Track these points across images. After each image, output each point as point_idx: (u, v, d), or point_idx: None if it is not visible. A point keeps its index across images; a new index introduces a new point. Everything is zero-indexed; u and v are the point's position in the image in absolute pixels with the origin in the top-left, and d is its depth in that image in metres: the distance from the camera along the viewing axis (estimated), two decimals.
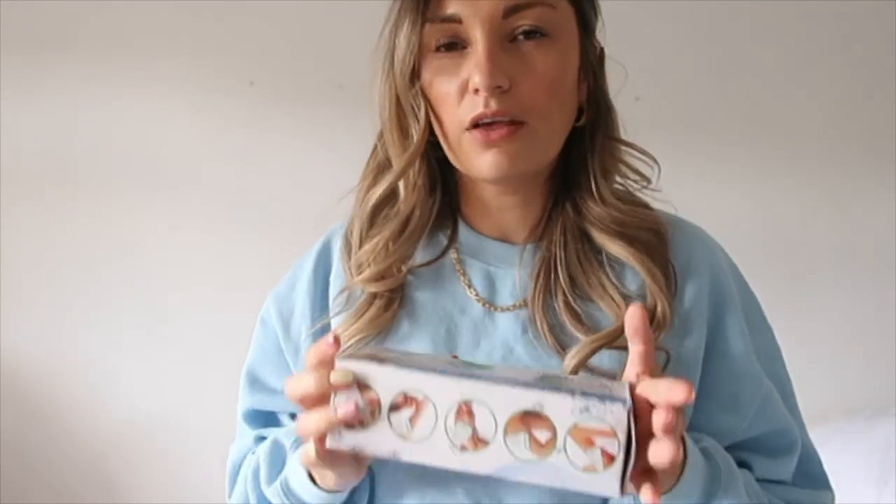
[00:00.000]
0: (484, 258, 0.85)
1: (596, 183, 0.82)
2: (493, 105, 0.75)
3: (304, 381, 0.66)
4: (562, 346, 0.79)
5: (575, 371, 0.77)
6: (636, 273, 0.81)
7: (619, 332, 0.76)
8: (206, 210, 2.07)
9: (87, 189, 2.06)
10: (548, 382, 0.63)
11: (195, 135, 2.06)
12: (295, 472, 0.78)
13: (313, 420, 0.65)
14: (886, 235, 2.04)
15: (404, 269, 0.84)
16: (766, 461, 0.82)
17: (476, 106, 0.76)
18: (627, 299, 0.80)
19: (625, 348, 0.76)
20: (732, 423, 0.81)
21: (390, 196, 0.85)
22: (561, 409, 0.60)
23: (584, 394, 0.60)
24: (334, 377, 0.63)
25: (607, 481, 0.60)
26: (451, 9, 0.77)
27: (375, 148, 0.87)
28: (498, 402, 0.61)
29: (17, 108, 2.03)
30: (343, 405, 0.63)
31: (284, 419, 0.91)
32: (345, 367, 0.64)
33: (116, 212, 2.06)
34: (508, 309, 0.83)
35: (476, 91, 0.76)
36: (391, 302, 0.83)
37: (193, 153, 2.06)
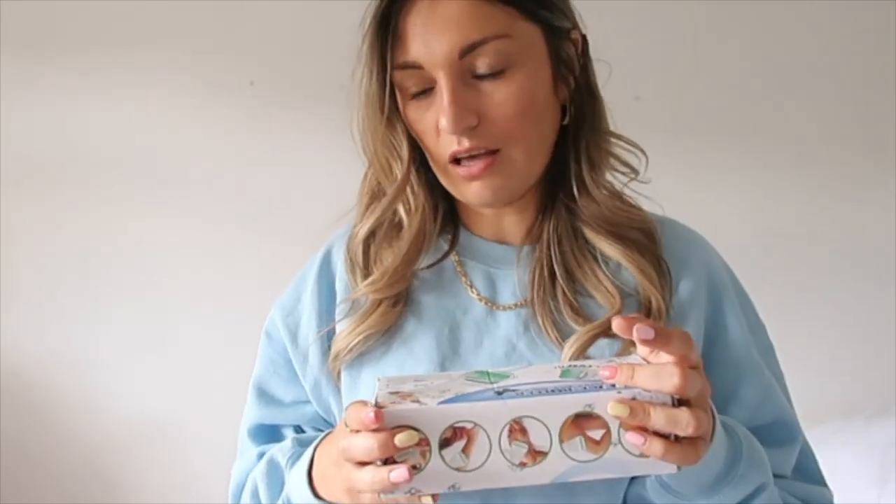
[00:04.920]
0: (484, 260, 0.87)
1: (582, 178, 0.83)
2: (466, 143, 0.78)
3: (366, 447, 0.62)
4: (564, 339, 0.80)
5: (574, 359, 0.78)
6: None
7: None
8: (205, 210, 2.06)
9: (86, 189, 2.06)
10: (578, 378, 0.65)
11: (195, 134, 2.05)
12: (296, 489, 0.78)
13: (368, 481, 0.63)
14: (886, 235, 2.04)
15: (409, 274, 0.85)
16: (768, 451, 0.82)
17: (451, 143, 0.79)
18: (622, 290, 0.81)
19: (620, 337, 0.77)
20: (735, 413, 0.82)
21: (387, 223, 0.86)
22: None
23: (627, 386, 0.62)
24: (400, 441, 0.61)
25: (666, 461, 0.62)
26: (409, 56, 0.78)
27: (367, 175, 0.88)
28: (548, 413, 0.62)
29: (16, 107, 2.03)
30: (397, 472, 0.61)
31: (288, 432, 0.91)
32: (392, 415, 0.61)
33: (116, 211, 2.06)
34: (510, 308, 0.84)
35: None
36: (396, 303, 0.85)
37: (193, 153, 2.06)
